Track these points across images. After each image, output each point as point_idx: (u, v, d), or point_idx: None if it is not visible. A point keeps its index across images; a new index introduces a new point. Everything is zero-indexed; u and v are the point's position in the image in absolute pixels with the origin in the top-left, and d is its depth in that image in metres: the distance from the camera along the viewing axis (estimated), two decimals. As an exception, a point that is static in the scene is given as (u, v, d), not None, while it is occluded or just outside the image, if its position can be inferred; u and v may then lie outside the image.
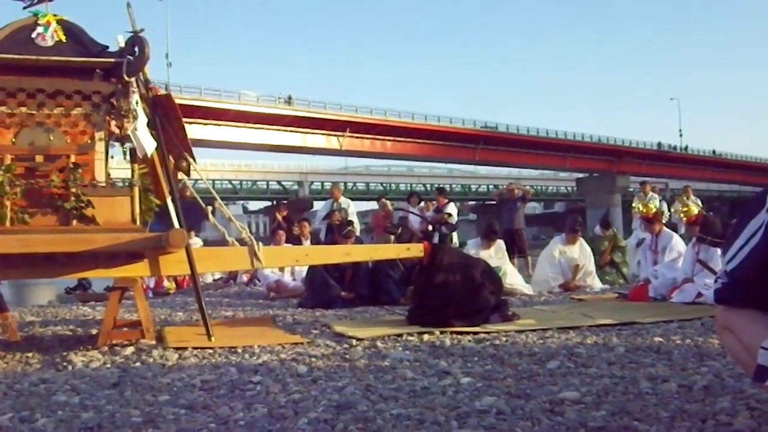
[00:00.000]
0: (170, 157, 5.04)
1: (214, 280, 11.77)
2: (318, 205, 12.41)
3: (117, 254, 4.46)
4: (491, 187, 65.69)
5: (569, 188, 75.96)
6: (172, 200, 4.77)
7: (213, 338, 4.54)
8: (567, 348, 3.95)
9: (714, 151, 70.19)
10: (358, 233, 9.36)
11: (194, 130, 39.11)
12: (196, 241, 13.33)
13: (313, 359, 3.85)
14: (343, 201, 12.24)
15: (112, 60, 4.63)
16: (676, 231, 8.58)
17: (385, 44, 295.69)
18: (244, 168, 63.83)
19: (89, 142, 4.58)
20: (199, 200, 5.44)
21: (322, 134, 49.30)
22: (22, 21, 4.62)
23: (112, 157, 5.08)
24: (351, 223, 8.96)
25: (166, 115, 4.94)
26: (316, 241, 11.27)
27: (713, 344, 3.87)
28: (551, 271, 8.80)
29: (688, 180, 48.31)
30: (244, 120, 45.18)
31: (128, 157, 4.77)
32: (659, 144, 66.32)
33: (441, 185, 41.97)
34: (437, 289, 5.30)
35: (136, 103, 4.57)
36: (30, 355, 4.36)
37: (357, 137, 50.71)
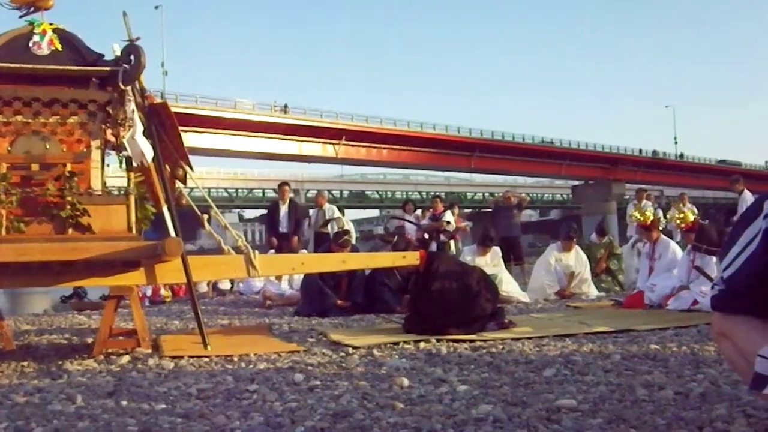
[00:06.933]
0: (166, 166, 5.04)
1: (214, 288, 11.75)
2: (312, 213, 12.37)
3: (113, 263, 4.45)
4: (487, 194, 65.82)
5: (565, 196, 76.19)
6: (168, 209, 4.76)
7: (209, 347, 4.52)
8: (563, 355, 3.95)
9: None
10: (353, 241, 9.35)
11: (190, 138, 39.18)
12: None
13: (310, 368, 3.84)
14: (328, 208, 12.24)
15: (108, 69, 4.62)
16: (671, 238, 8.59)
17: (380, 53, 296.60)
18: (240, 176, 63.88)
19: (85, 150, 4.57)
20: (195, 208, 5.44)
21: (318, 142, 49.43)
22: (18, 30, 4.62)
23: (107, 166, 5.08)
24: (347, 231, 8.96)
25: (162, 124, 4.94)
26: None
27: (710, 351, 3.87)
28: (547, 278, 8.82)
29: (683, 187, 48.41)
30: (240, 128, 45.28)
31: (124, 166, 4.77)
32: (654, 152, 66.72)
33: (437, 193, 41.97)
34: (433, 297, 5.30)
35: (132, 111, 4.56)
36: (25, 364, 4.34)
37: (353, 145, 50.85)
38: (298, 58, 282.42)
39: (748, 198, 12.74)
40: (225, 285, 11.50)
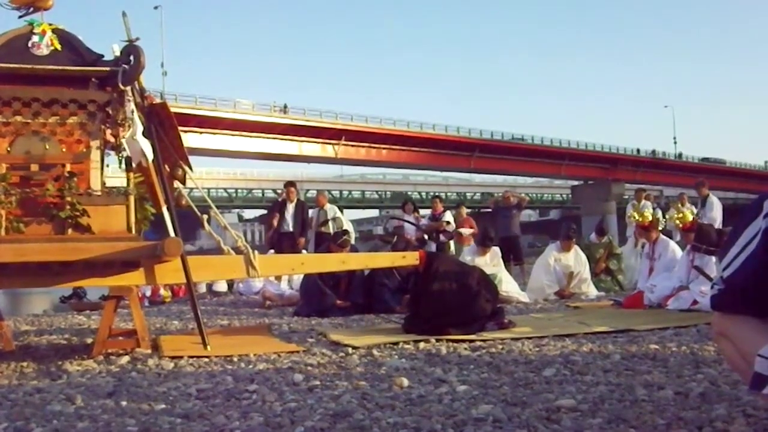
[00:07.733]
0: (166, 166, 5.04)
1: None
2: (312, 213, 12.33)
3: (112, 263, 4.45)
4: (486, 194, 65.83)
5: (564, 196, 76.19)
6: (168, 209, 4.76)
7: (209, 347, 4.52)
8: (563, 355, 3.95)
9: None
10: (353, 241, 9.36)
11: (190, 138, 39.20)
12: None
13: (309, 368, 3.84)
14: (329, 208, 12.22)
15: (108, 69, 4.62)
16: (671, 238, 8.59)
17: (381, 53, 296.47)
18: (240, 176, 63.89)
19: (85, 150, 4.58)
20: (195, 209, 5.43)
21: (318, 142, 49.47)
22: (18, 30, 4.62)
23: (107, 166, 5.08)
24: (346, 231, 8.96)
25: (162, 124, 4.94)
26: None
27: (709, 351, 3.87)
28: (546, 278, 8.82)
29: (682, 187, 48.45)
30: (239, 128, 45.30)
31: (124, 166, 4.77)
32: (653, 151, 66.81)
33: (437, 193, 41.91)
34: (433, 297, 5.30)
35: (132, 111, 4.56)
36: (25, 364, 4.35)
37: (352, 145, 50.89)
38: (298, 58, 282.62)
39: (714, 202, 12.61)
40: (221, 287, 11.48)
